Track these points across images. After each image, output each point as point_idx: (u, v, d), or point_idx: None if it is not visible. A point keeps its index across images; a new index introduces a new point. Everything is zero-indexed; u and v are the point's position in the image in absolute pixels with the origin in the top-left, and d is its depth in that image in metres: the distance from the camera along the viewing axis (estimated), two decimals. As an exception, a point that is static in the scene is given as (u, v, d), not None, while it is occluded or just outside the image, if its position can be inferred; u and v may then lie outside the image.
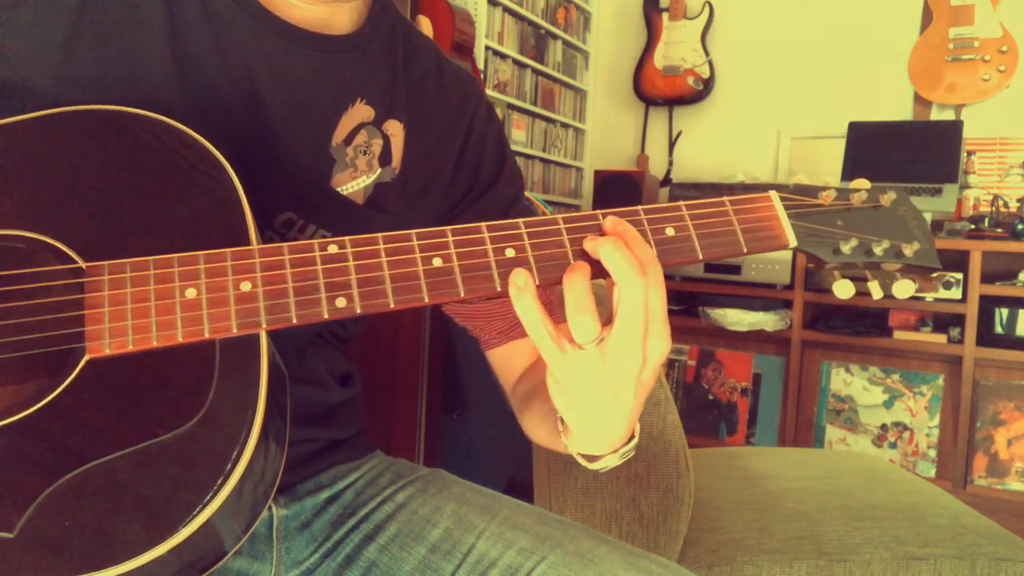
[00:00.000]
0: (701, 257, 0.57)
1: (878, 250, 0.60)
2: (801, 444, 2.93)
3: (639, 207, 0.57)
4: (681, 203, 0.57)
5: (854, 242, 0.60)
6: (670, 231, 0.56)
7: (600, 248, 0.52)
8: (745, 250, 0.57)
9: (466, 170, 0.77)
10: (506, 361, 0.81)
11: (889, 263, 0.61)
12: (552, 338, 0.51)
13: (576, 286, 0.51)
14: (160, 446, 0.46)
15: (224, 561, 0.51)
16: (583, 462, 0.62)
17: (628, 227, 0.54)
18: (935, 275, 0.68)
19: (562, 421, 0.60)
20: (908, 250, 0.60)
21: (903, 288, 0.61)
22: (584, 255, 0.54)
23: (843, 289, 0.61)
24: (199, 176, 0.54)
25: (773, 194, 0.60)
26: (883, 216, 0.62)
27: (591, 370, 0.52)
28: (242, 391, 0.48)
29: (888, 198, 0.62)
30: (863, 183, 0.63)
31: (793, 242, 0.58)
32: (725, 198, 0.59)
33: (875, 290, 0.62)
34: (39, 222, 0.51)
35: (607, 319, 0.52)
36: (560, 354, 0.52)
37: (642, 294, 0.51)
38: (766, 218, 0.58)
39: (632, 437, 0.60)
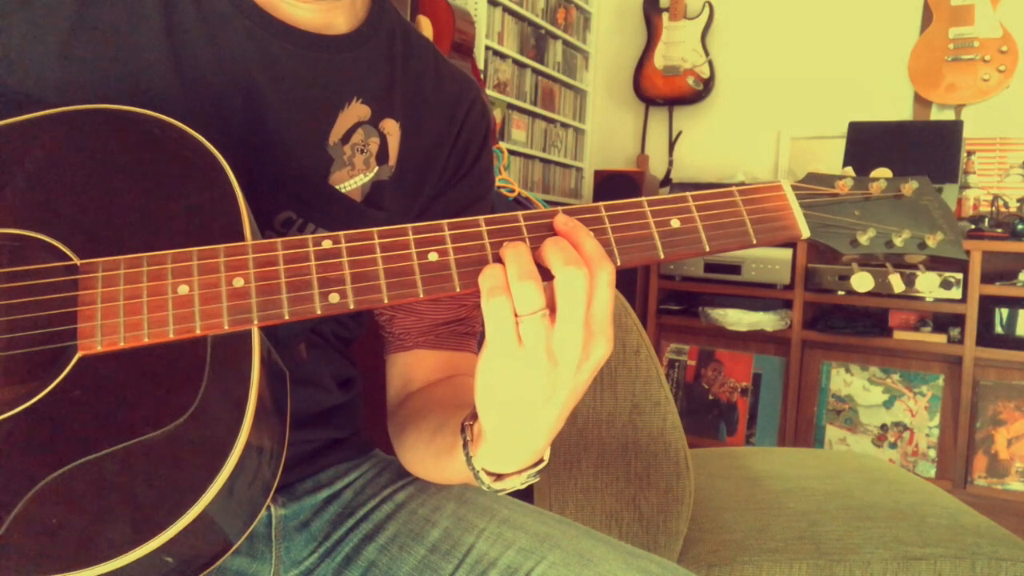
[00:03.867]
0: (708, 249, 0.55)
1: (899, 241, 0.57)
2: (801, 444, 2.92)
3: (643, 198, 0.55)
4: (688, 194, 0.56)
5: (872, 233, 0.57)
6: (675, 223, 0.55)
7: (542, 245, 0.51)
8: (755, 241, 0.56)
9: (451, 164, 0.77)
10: (406, 369, 0.77)
11: (912, 254, 0.58)
12: (511, 312, 0.49)
13: (519, 252, 0.50)
14: (148, 444, 0.46)
15: (223, 560, 0.51)
16: (486, 481, 0.58)
17: (576, 225, 0.52)
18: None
19: (464, 430, 0.58)
20: (931, 241, 0.57)
21: (927, 281, 0.59)
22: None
23: (861, 282, 0.59)
24: (195, 172, 0.54)
25: (785, 183, 0.58)
26: (905, 206, 0.59)
27: (535, 356, 0.49)
28: (233, 388, 0.48)
29: (910, 187, 0.59)
30: (883, 172, 0.60)
31: (806, 233, 0.56)
32: (734, 187, 0.57)
33: (896, 283, 0.60)
34: (37, 220, 0.51)
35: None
36: (512, 333, 0.49)
37: (583, 284, 0.49)
38: (777, 208, 0.57)
39: (541, 460, 0.58)
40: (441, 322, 0.76)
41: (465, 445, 0.58)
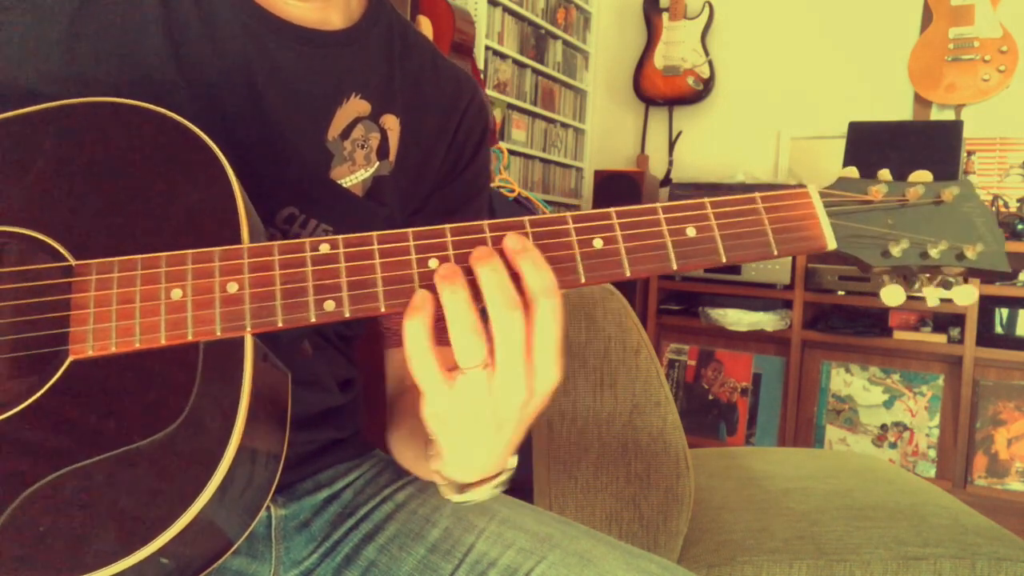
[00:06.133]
0: (724, 260, 0.52)
1: (935, 252, 0.53)
2: (801, 444, 2.92)
3: (657, 204, 0.52)
4: (706, 200, 0.52)
5: (905, 244, 0.53)
6: (691, 231, 0.51)
7: (478, 270, 0.47)
8: (776, 252, 0.52)
9: (448, 162, 0.77)
10: (402, 367, 0.76)
11: (949, 266, 0.54)
12: (438, 369, 0.47)
13: (458, 301, 0.46)
14: (138, 452, 0.45)
15: (220, 563, 0.51)
16: (451, 493, 0.57)
17: (523, 250, 0.48)
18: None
19: (429, 445, 0.57)
20: (971, 252, 0.53)
21: (964, 294, 0.54)
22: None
23: (892, 295, 0.55)
24: (195, 170, 0.53)
25: (811, 189, 0.54)
26: (943, 213, 0.54)
27: (475, 403, 0.48)
28: (224, 396, 0.47)
29: (951, 192, 0.54)
30: (923, 175, 0.55)
31: (832, 244, 0.53)
32: (757, 194, 0.53)
33: (930, 296, 0.55)
34: (34, 218, 0.51)
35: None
36: (444, 387, 0.47)
37: (519, 329, 0.46)
38: (802, 217, 0.53)
39: (505, 471, 0.57)
40: (439, 317, 0.76)
41: (431, 460, 0.57)
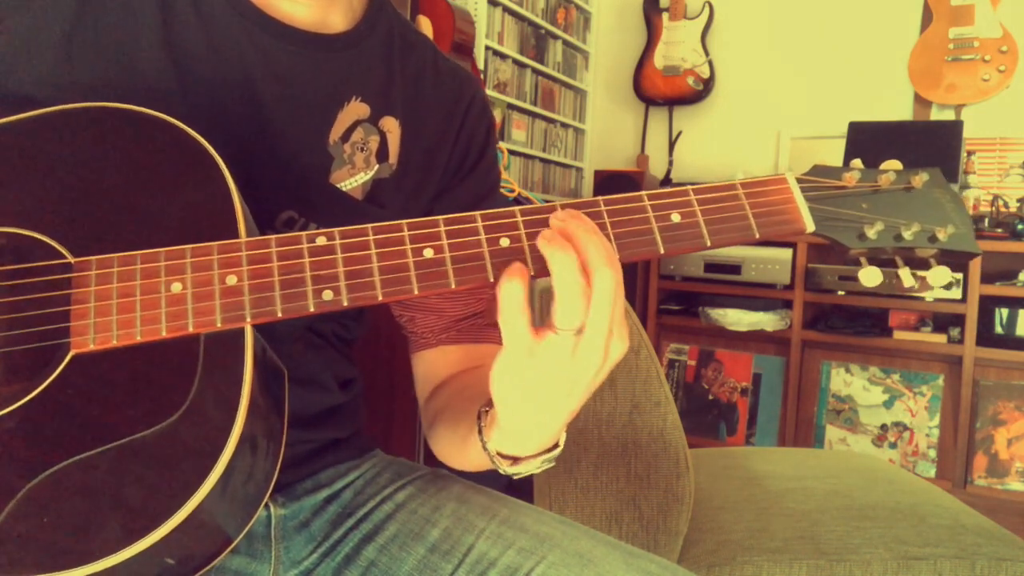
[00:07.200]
0: (709, 244, 0.54)
1: (908, 234, 0.56)
2: (801, 444, 2.92)
3: (643, 192, 0.54)
4: (688, 187, 0.55)
5: (880, 226, 0.56)
6: (675, 217, 0.54)
7: (577, 232, 0.49)
8: (757, 235, 0.55)
9: (454, 162, 0.77)
10: (432, 366, 0.79)
11: (923, 248, 0.57)
12: (528, 328, 0.49)
13: (567, 267, 0.48)
14: (140, 443, 0.46)
15: (220, 559, 0.51)
16: (501, 464, 0.59)
17: (586, 219, 0.51)
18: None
19: (480, 417, 0.58)
20: (942, 234, 0.56)
21: (939, 275, 0.57)
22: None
23: (869, 276, 0.57)
24: (191, 170, 0.54)
25: (789, 175, 0.57)
26: (915, 198, 0.58)
27: (558, 362, 0.49)
28: (225, 387, 0.48)
29: (920, 179, 0.58)
30: (893, 164, 0.59)
31: (810, 227, 0.56)
32: (737, 181, 0.56)
33: (906, 277, 0.58)
34: (32, 219, 0.51)
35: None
36: (532, 343, 0.49)
37: (613, 288, 0.48)
38: (781, 201, 0.56)
39: (556, 445, 0.58)
40: (461, 317, 0.77)
41: (480, 431, 0.58)
